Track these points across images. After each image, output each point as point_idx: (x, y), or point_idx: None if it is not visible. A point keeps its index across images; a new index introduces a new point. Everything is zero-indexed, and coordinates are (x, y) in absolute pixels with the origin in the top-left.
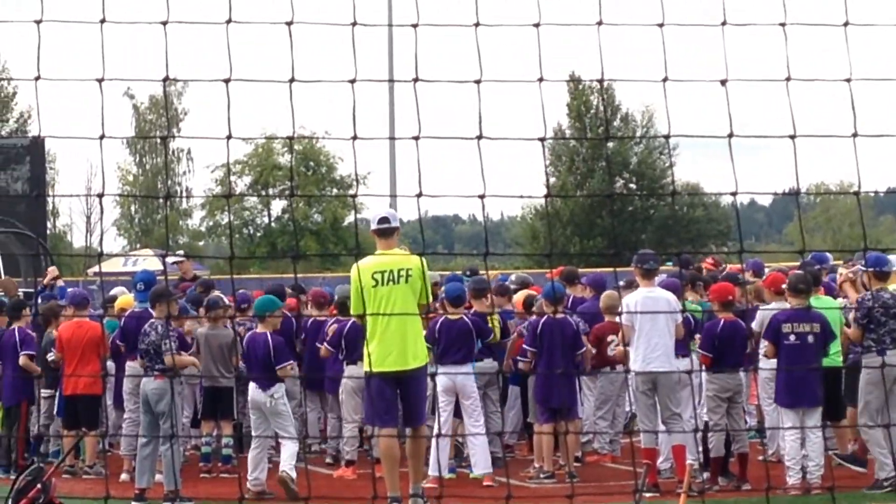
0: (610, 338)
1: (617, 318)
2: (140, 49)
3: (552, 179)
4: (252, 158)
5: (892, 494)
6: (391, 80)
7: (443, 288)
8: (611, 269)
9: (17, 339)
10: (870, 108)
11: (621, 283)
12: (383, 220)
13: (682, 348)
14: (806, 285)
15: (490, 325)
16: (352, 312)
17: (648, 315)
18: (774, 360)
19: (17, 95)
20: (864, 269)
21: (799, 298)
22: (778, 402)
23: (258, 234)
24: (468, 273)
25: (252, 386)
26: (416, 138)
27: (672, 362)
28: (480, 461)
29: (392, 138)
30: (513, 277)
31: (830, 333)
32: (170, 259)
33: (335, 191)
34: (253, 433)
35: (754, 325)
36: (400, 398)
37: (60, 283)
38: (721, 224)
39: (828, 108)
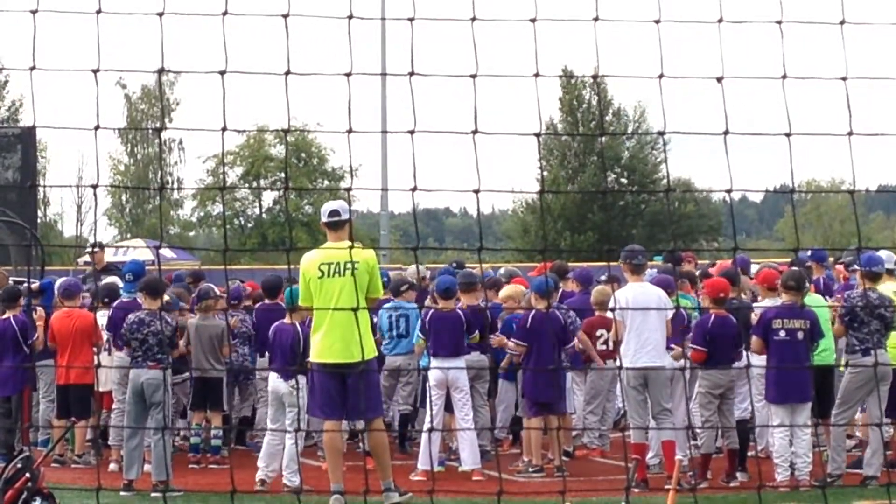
0: (599, 332)
1: (608, 314)
2: (132, 37)
3: (543, 173)
4: (244, 149)
5: (880, 491)
6: (385, 74)
7: (432, 281)
8: (599, 264)
9: (17, 327)
10: (863, 106)
11: (602, 277)
12: (333, 212)
13: (676, 343)
14: (797, 282)
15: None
16: (299, 303)
17: (639, 310)
18: (765, 357)
19: (9, 84)
20: (857, 267)
21: (790, 294)
22: (768, 398)
23: (249, 225)
24: (454, 265)
25: (273, 376)
26: (412, 132)
27: (663, 357)
28: (468, 456)
29: (387, 132)
30: (501, 271)
31: (819, 331)
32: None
33: (326, 182)
34: (269, 425)
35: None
36: (347, 391)
37: (35, 284)
38: (712, 219)
39: (821, 105)
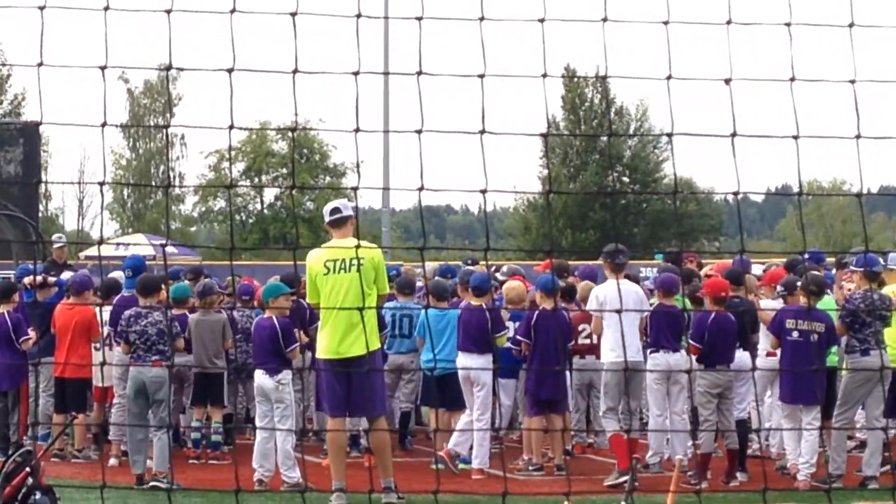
0: (581, 327)
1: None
2: (136, 33)
3: (550, 173)
4: (246, 145)
5: (882, 492)
6: (391, 73)
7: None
8: (600, 262)
9: (11, 323)
10: (868, 108)
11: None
12: (335, 210)
13: (674, 343)
14: (819, 287)
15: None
16: (307, 300)
17: (627, 310)
18: (770, 359)
19: (12, 78)
20: (855, 268)
21: (812, 299)
22: (781, 398)
23: (250, 221)
24: (469, 262)
25: (259, 372)
26: (419, 132)
27: (639, 355)
28: (479, 454)
29: (392, 131)
30: (504, 269)
31: (835, 337)
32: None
33: (328, 178)
34: (258, 422)
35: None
36: (352, 388)
37: (52, 278)
38: (713, 219)
39: (825, 106)
